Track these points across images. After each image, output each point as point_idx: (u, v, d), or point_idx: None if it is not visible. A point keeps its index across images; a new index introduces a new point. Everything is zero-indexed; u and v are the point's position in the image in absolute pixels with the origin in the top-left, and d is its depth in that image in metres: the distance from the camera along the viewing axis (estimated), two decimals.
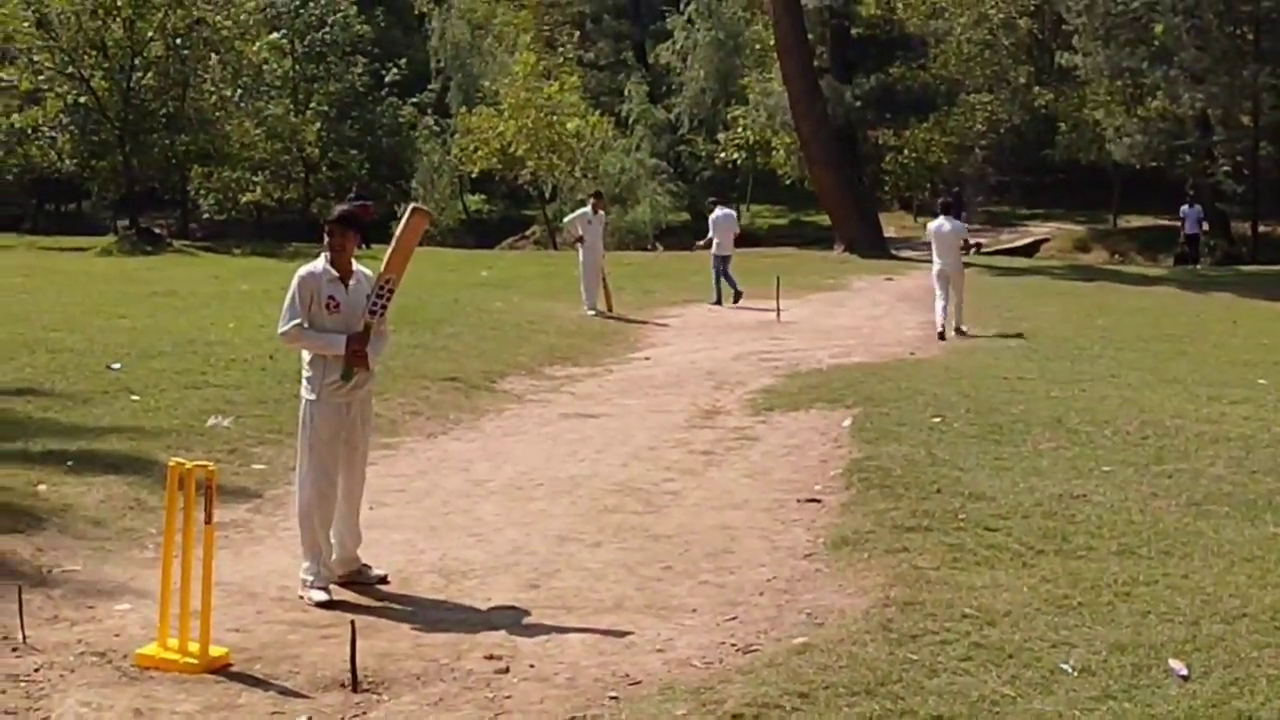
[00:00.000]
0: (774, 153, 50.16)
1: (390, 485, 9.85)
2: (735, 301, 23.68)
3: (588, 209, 22.94)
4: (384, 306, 7.40)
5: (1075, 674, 5.69)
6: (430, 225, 8.23)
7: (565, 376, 15.87)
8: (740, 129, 51.18)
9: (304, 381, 7.43)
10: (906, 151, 51.59)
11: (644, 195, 51.17)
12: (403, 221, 7.54)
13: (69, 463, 9.44)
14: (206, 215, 51.47)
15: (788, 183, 46.79)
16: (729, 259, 24.33)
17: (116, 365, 13.68)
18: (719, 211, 24.89)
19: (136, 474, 9.40)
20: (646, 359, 17.50)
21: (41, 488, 8.77)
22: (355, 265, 7.49)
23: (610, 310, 22.05)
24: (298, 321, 7.27)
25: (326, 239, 7.42)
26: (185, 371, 13.53)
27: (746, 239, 32.95)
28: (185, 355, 14.51)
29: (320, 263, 7.43)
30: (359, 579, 7.46)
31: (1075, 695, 5.47)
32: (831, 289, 27.86)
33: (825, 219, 42.63)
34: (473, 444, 11.70)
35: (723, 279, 24.02)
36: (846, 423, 11.69)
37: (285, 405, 12.04)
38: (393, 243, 7.44)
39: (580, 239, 22.50)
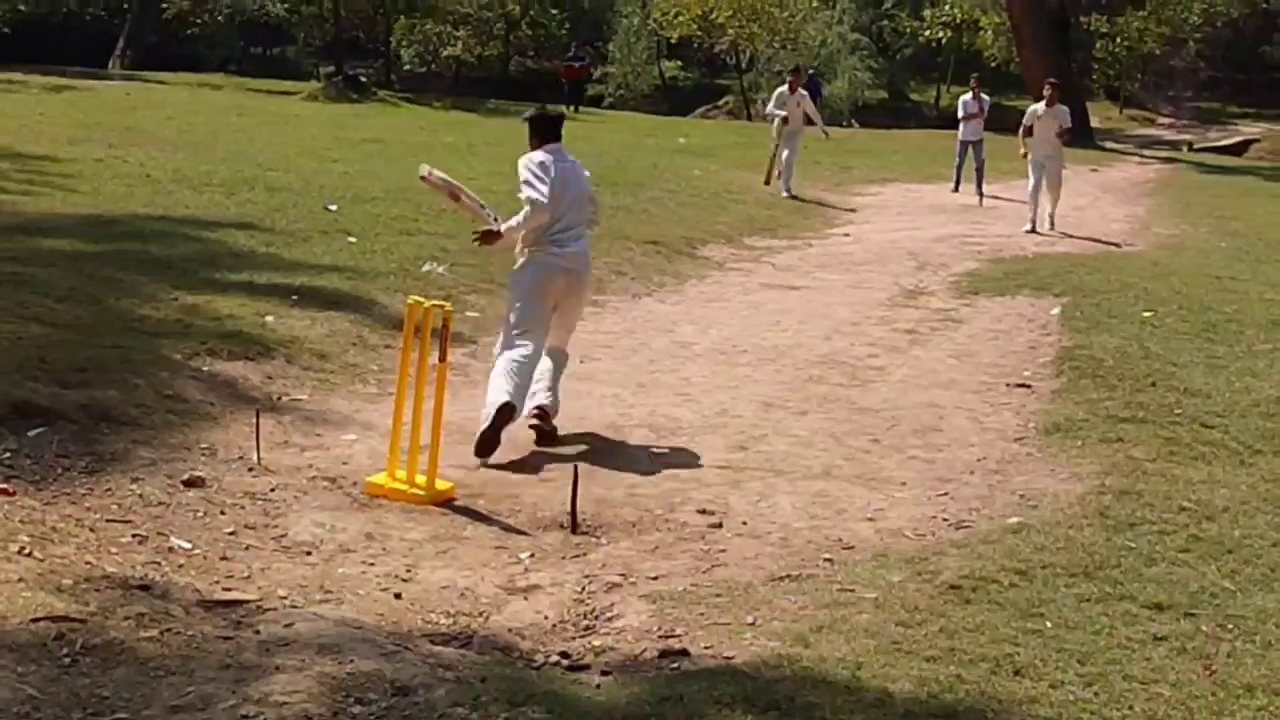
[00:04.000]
0: (981, 33, 48.85)
1: (598, 341, 10.02)
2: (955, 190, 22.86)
3: (784, 88, 21.74)
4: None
5: None
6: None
7: (765, 248, 15.86)
8: (948, 6, 49.89)
9: None
10: (1118, 40, 49.88)
11: (843, 70, 50.42)
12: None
13: (293, 297, 9.76)
14: (408, 66, 52.08)
15: (993, 65, 45.56)
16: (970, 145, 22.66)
17: (333, 206, 14.04)
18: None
19: (357, 312, 9.71)
20: (846, 235, 17.38)
21: (269, 319, 9.10)
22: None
23: (768, 183, 21.43)
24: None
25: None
26: (399, 218, 13.82)
27: (945, 120, 32.32)
28: (398, 202, 14.79)
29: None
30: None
31: None
32: None
33: (1028, 104, 41.51)
34: (677, 307, 11.81)
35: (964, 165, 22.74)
36: (1055, 311, 11.52)
37: (496, 257, 12.26)
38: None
39: (785, 119, 21.33)
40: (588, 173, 7.82)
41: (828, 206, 20.28)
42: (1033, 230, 17.94)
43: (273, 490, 6.35)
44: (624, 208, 16.68)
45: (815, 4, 50.01)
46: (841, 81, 50.19)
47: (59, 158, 16.04)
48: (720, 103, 52.14)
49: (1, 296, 8.54)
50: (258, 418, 6.95)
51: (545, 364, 7.59)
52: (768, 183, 21.43)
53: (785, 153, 21.02)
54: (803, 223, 18.10)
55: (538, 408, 7.48)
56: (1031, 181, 18.34)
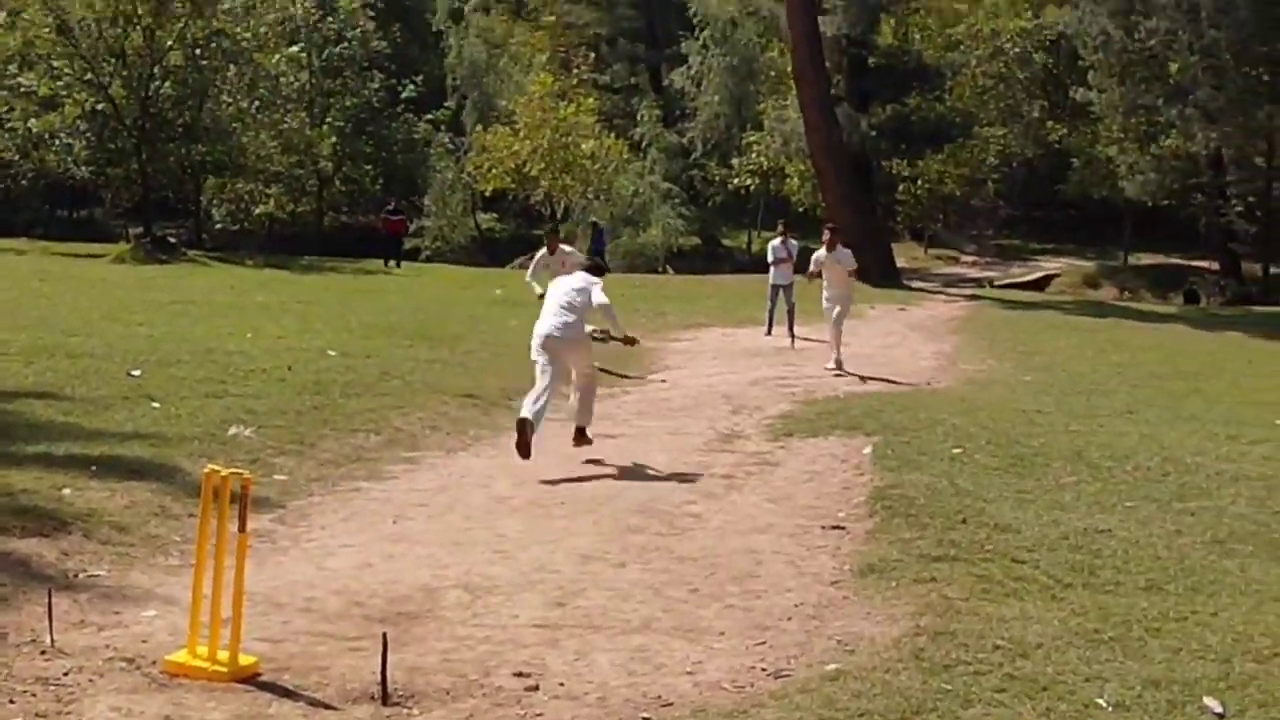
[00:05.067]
0: (788, 179, 50.26)
1: (412, 500, 9.85)
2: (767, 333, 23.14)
3: (542, 251, 19.13)
4: None
5: (1110, 709, 5.66)
6: None
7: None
8: (754, 155, 51.30)
9: None
10: (920, 182, 51.71)
11: (656, 218, 51.35)
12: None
13: (92, 467, 9.42)
14: (219, 225, 51.58)
15: (800, 209, 46.86)
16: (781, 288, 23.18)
17: (136, 372, 13.68)
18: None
19: (159, 480, 9.39)
20: (663, 381, 17.50)
21: (66, 492, 8.75)
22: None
23: None
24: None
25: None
26: (205, 380, 13.53)
27: (757, 264, 32.91)
28: (204, 364, 14.51)
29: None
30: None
31: None
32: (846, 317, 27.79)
33: None
34: (493, 460, 11.68)
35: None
36: (867, 450, 11.66)
37: (305, 416, 12.08)
38: None
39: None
40: None
41: (645, 352, 20.40)
42: (838, 369, 18.31)
43: (66, 674, 6.03)
44: (440, 360, 16.62)
45: (626, 156, 50.94)
46: (656, 229, 51.11)
47: None
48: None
49: None
50: (50, 597, 6.62)
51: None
52: None
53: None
54: (619, 370, 18.16)
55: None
56: (828, 322, 18.98)
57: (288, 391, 13.24)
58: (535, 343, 11.71)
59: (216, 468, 6.50)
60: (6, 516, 8.00)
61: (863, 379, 17.77)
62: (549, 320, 11.68)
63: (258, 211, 50.46)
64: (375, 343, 18.11)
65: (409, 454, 11.45)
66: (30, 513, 8.18)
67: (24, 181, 45.37)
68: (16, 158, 41.42)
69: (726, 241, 57.83)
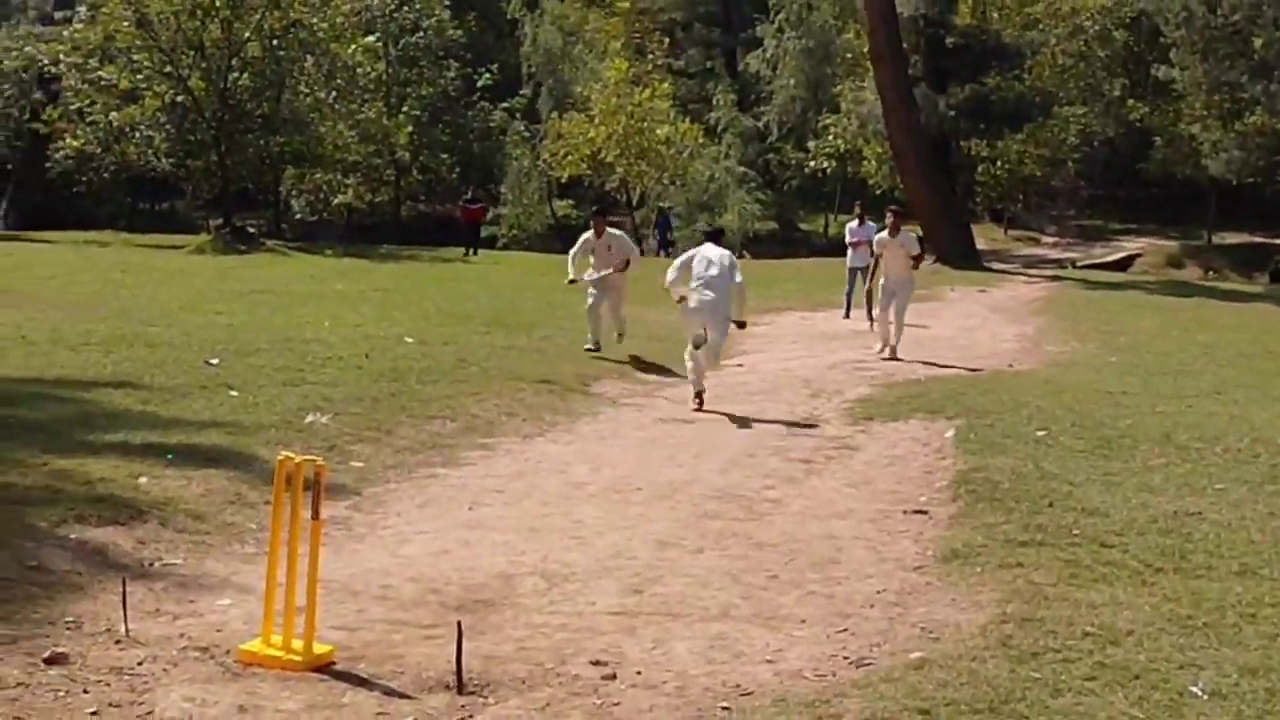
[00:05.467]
0: (865, 162, 49.83)
1: (489, 486, 9.78)
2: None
3: (588, 234, 17.48)
4: None
5: (1206, 698, 5.47)
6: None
7: (657, 382, 15.73)
8: (831, 137, 50.91)
9: None
10: (999, 163, 51.07)
11: (732, 203, 51.09)
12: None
13: (169, 456, 9.43)
14: (299, 216, 52.00)
15: (878, 192, 46.42)
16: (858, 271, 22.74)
17: (214, 360, 13.72)
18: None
19: (236, 469, 9.37)
20: (740, 365, 17.33)
21: (142, 480, 8.75)
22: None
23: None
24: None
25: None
26: (282, 368, 13.53)
27: (834, 248, 32.70)
28: (282, 352, 14.52)
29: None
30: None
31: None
32: (924, 299, 27.42)
33: (915, 229, 42.27)
34: (569, 446, 11.59)
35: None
36: (949, 434, 11.46)
37: (382, 403, 12.05)
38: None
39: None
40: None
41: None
42: (887, 353, 17.62)
43: (140, 664, 6.00)
44: (516, 347, 16.55)
45: (701, 141, 50.74)
46: (732, 214, 50.80)
47: None
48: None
49: None
50: (124, 586, 6.61)
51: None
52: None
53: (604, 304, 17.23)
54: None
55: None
56: (879, 307, 18.24)
57: (365, 379, 13.22)
58: (693, 317, 13.61)
59: (290, 454, 6.44)
60: (83, 505, 8.01)
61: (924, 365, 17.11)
62: (703, 294, 13.53)
63: (336, 201, 50.76)
64: (452, 330, 18.10)
65: (485, 440, 11.38)
66: (107, 501, 8.18)
67: (106, 175, 45.90)
68: (98, 151, 41.84)
69: (803, 225, 57.48)
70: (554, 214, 55.72)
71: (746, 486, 9.91)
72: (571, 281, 17.39)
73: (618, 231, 18.25)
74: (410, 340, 16.38)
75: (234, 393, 12.12)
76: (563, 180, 51.00)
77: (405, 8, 49.48)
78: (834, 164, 51.79)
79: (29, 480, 8.53)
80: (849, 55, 54.05)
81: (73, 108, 41.37)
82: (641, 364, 16.57)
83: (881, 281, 18.22)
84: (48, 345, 14.34)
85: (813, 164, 52.31)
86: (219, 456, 9.64)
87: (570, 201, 57.93)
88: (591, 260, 17.32)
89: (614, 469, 10.55)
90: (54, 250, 31.32)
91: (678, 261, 14.32)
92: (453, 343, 16.35)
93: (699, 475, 10.31)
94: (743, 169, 53.45)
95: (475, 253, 38.87)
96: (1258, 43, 39.98)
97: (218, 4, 37.38)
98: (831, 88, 53.20)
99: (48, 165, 46.09)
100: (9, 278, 22.40)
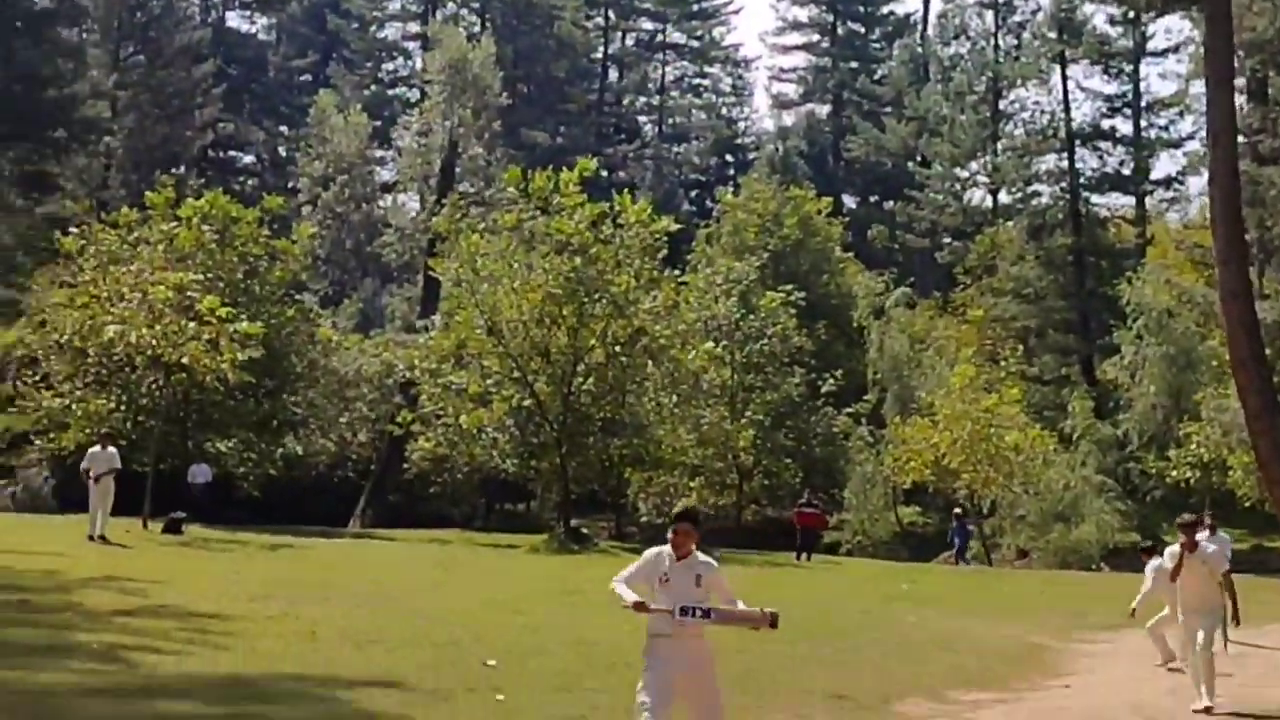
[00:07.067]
0: (1230, 472, 46.89)
1: None
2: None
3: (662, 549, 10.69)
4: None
5: None
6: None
7: (970, 701, 14.36)
8: (1193, 445, 48.31)
9: None
10: None
11: (1089, 513, 48.80)
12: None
13: None
14: (644, 519, 52.32)
15: (1247, 504, 43.43)
16: None
17: (492, 661, 13.29)
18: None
19: None
20: (1067, 686, 15.75)
21: None
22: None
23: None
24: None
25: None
26: (560, 672, 13.00)
27: None
28: (566, 655, 14.03)
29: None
30: None
31: None
32: None
33: None
34: None
35: None
36: None
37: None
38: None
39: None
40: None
41: (1051, 653, 18.65)
42: (1207, 710, 13.80)
43: None
44: (815, 658, 15.55)
45: (1054, 448, 48.98)
46: (1089, 525, 48.49)
47: (228, 615, 15.77)
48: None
49: None
50: None
51: None
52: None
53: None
54: (1017, 673, 16.53)
55: None
56: (1185, 642, 14.74)
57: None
58: None
59: None
60: None
61: None
62: None
63: (680, 505, 50.86)
64: (751, 636, 17.18)
65: None
66: None
67: (460, 475, 47.44)
68: (448, 451, 43.37)
69: (1168, 538, 54.20)
70: (899, 520, 54.44)
71: None
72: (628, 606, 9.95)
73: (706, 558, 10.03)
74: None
75: (500, 696, 11.60)
76: (907, 487, 49.93)
77: (750, 316, 50.18)
78: (1197, 474, 48.97)
79: None
80: (1214, 363, 51.64)
81: (426, 411, 43.11)
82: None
83: (1181, 609, 14.87)
84: (335, 641, 14.24)
85: (1174, 473, 49.61)
86: None
87: (917, 508, 56.65)
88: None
89: None
90: (390, 547, 32.07)
91: None
92: (745, 651, 15.42)
93: None
94: (1100, 477, 51.21)
95: (808, 557, 37.98)
96: None
97: (564, 313, 38.61)
98: (1193, 395, 50.79)
99: (405, 466, 48.00)
100: (333, 573, 22.77)
